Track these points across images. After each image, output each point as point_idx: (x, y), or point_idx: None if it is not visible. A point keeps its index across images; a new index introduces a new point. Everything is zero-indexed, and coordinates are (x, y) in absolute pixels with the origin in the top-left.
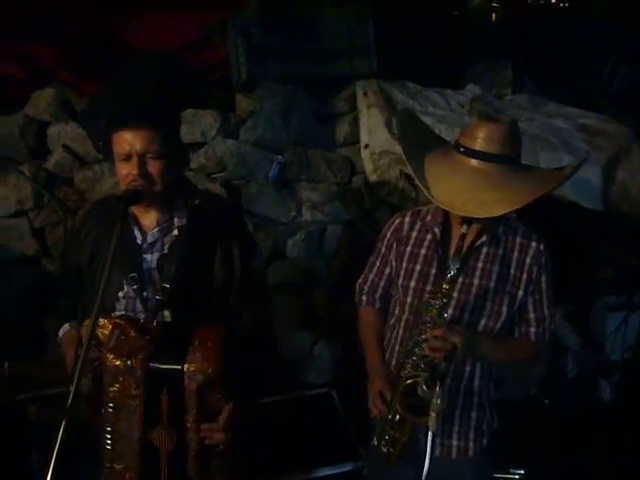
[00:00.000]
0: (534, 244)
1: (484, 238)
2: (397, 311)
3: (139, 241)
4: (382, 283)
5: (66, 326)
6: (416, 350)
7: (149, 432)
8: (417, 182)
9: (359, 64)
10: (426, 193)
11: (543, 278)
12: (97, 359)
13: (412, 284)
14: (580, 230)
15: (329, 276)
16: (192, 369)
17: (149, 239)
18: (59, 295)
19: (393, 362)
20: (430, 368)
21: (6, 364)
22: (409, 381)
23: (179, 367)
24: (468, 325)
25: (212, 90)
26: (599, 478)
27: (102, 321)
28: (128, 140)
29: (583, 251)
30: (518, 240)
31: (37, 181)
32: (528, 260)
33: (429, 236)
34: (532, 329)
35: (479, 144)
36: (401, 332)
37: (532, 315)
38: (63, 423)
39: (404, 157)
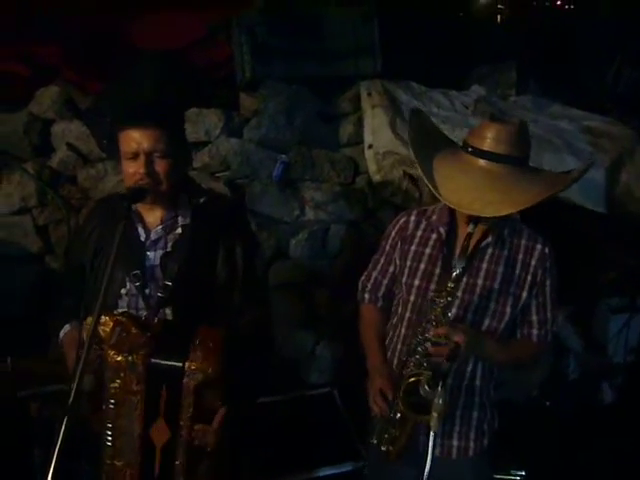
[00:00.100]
0: (539, 247)
1: (489, 239)
2: (400, 310)
3: (142, 238)
4: (385, 281)
5: (67, 327)
6: (419, 348)
7: (148, 428)
8: (426, 181)
9: (364, 64)
10: (434, 192)
11: (547, 282)
12: (98, 357)
13: (416, 283)
14: (583, 232)
15: (332, 276)
16: (193, 367)
17: (152, 237)
18: (62, 293)
19: (395, 361)
20: (433, 367)
21: (9, 359)
22: (412, 379)
23: (180, 364)
24: (472, 325)
25: (216, 89)
26: None
27: (104, 318)
28: (135, 139)
29: (586, 253)
30: (523, 242)
31: (41, 179)
32: (533, 262)
33: (434, 235)
34: (534, 331)
35: (487, 144)
36: (404, 331)
37: (535, 317)
38: (65, 420)
39: (414, 157)
